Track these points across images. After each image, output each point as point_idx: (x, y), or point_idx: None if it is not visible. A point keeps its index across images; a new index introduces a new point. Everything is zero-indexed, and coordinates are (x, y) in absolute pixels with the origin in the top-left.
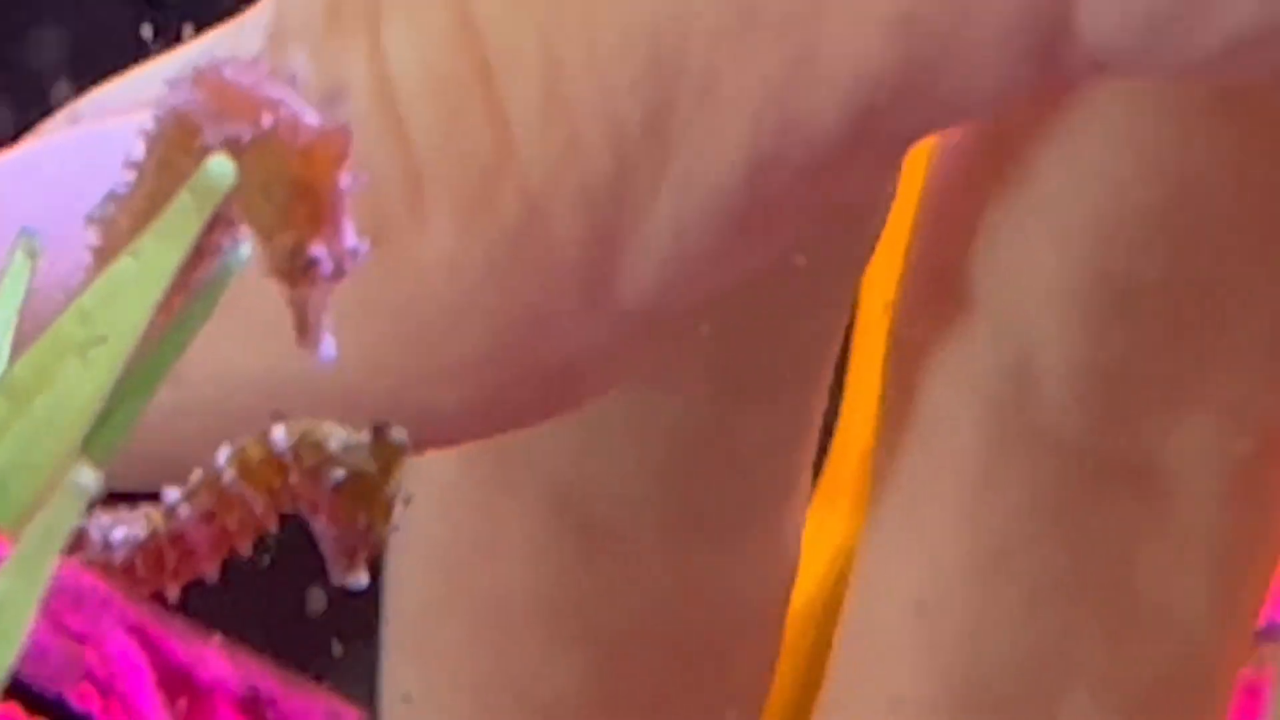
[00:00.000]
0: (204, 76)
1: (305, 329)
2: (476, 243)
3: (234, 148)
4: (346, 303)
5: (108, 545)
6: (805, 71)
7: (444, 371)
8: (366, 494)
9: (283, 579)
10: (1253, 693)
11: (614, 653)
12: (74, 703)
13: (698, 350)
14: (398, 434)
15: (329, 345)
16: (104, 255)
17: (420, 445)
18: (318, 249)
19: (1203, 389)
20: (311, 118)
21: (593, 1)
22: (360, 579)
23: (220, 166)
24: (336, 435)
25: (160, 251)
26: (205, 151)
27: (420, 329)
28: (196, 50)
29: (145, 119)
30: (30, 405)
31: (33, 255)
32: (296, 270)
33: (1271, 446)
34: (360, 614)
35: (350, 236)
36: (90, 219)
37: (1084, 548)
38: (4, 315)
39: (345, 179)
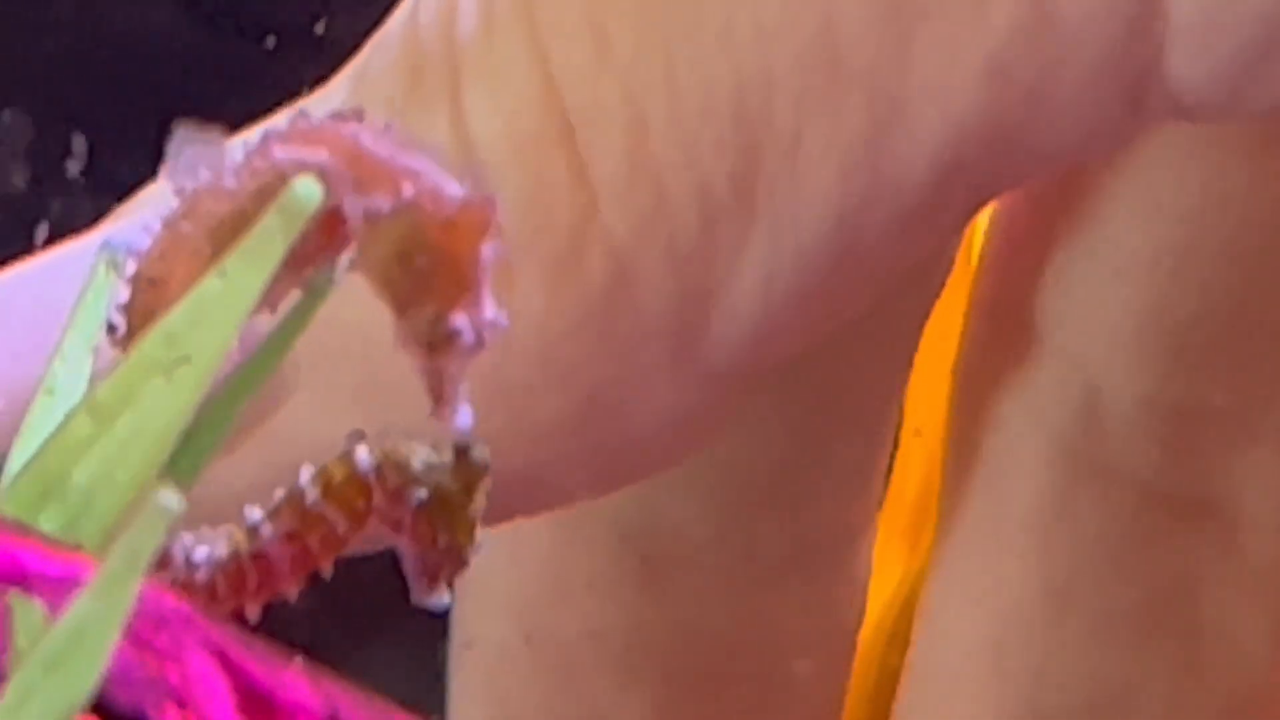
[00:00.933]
0: (338, 141)
1: (441, 399)
2: (564, 304)
3: (372, 217)
4: None
5: (190, 564)
6: (892, 125)
7: (534, 434)
8: (449, 513)
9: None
10: None
11: (681, 690)
12: None
13: (767, 392)
14: (480, 453)
15: (465, 415)
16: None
17: (510, 511)
18: (460, 320)
19: (1267, 423)
20: (454, 188)
21: (675, 59)
22: (443, 599)
23: (307, 188)
24: (420, 454)
25: (246, 272)
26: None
27: (510, 391)
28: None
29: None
30: (114, 425)
31: (115, 268)
32: (436, 341)
33: None
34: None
35: (491, 307)
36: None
37: (1151, 582)
38: (87, 330)
39: (488, 249)
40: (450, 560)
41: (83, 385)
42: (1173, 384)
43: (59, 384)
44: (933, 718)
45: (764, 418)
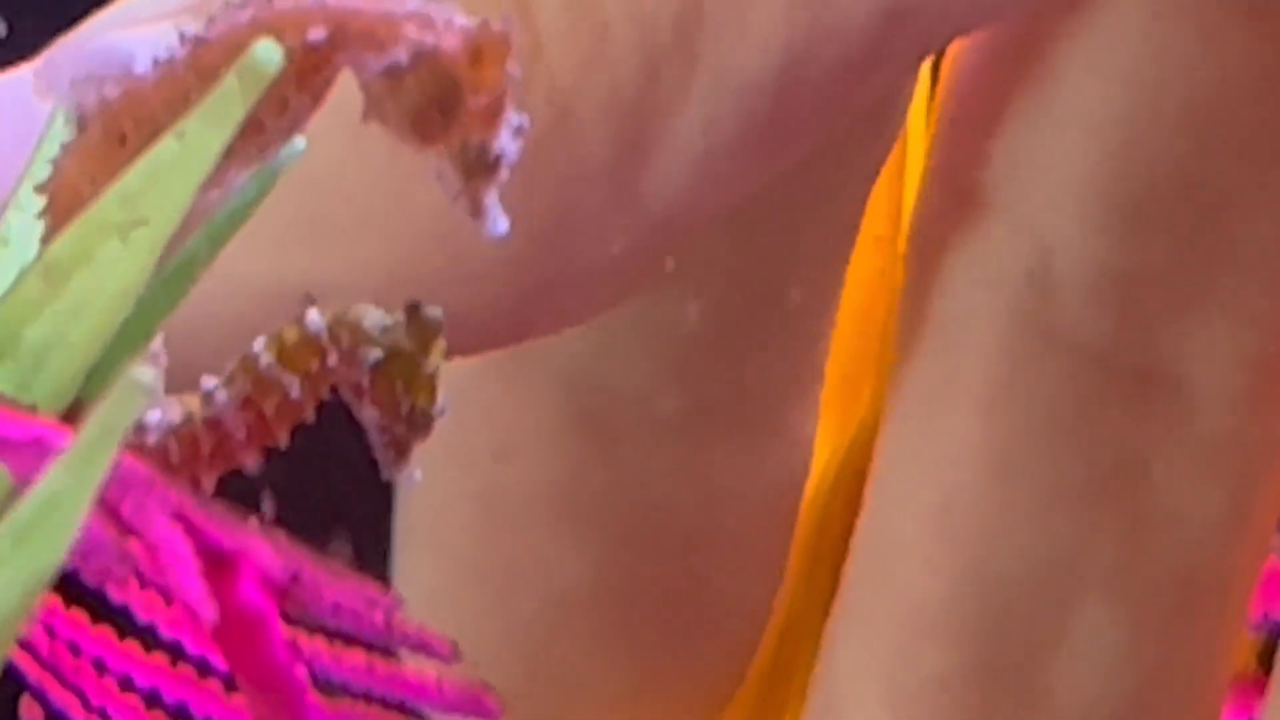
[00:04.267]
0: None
1: (481, 213)
2: None
3: (394, 72)
4: (376, 207)
5: (141, 427)
6: None
7: (471, 274)
8: (405, 373)
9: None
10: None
11: (625, 547)
12: (114, 594)
13: (711, 250)
14: (432, 311)
15: (502, 222)
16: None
17: (450, 351)
18: (499, 143)
19: (1219, 294)
20: (462, 19)
21: None
22: (413, 474)
23: (267, 51)
24: (371, 315)
25: (205, 135)
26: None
27: (446, 231)
28: None
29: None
30: (68, 285)
31: (69, 121)
32: (475, 166)
33: None
34: (370, 509)
35: (517, 120)
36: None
37: (1101, 451)
38: (42, 179)
39: (512, 67)
40: (415, 426)
41: (37, 235)
42: (1124, 250)
43: (13, 234)
44: (881, 584)
45: (710, 267)
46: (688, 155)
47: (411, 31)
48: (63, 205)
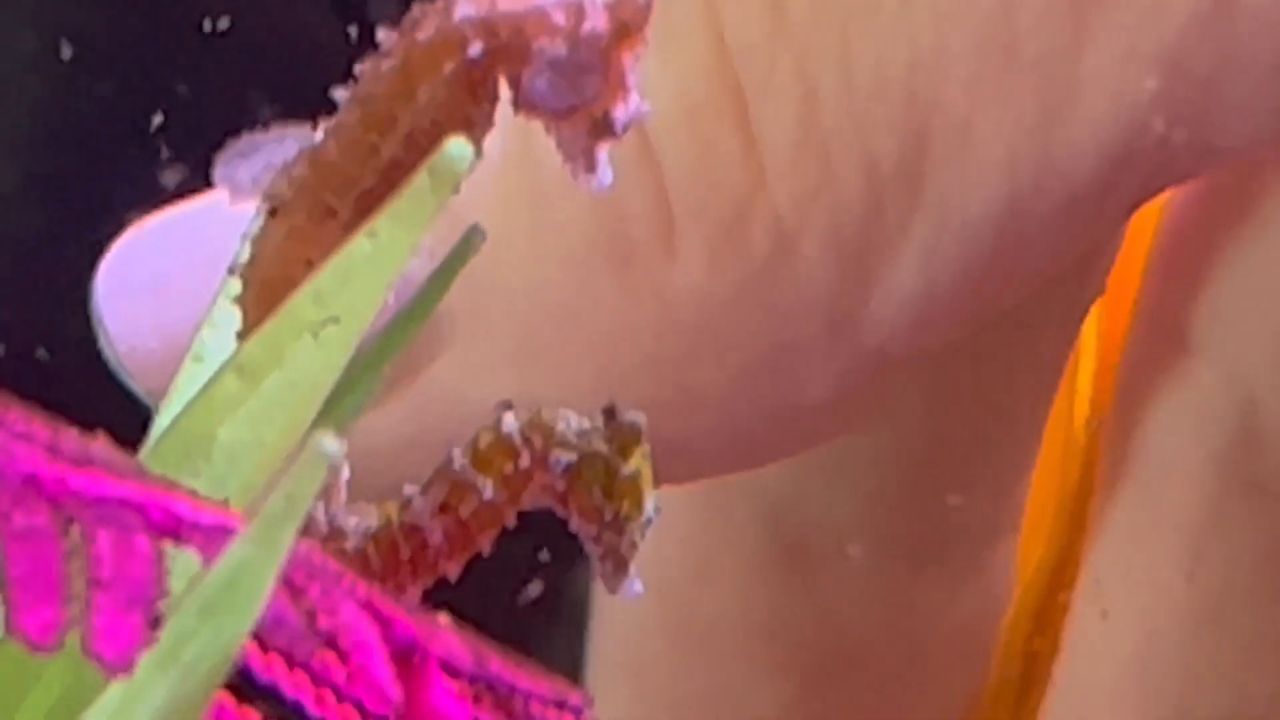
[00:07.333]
0: (474, 21)
1: (593, 168)
2: (725, 273)
3: (557, 68)
4: (595, 331)
5: (339, 531)
6: (1064, 113)
7: (687, 402)
8: (602, 477)
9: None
10: None
11: (820, 677)
12: (287, 690)
13: (921, 383)
14: (631, 416)
15: (608, 173)
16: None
17: (660, 478)
18: (620, 114)
19: None
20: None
21: (851, 34)
22: (634, 586)
23: (459, 149)
24: (566, 418)
25: (396, 233)
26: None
27: (667, 360)
28: None
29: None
30: (262, 384)
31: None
32: (599, 129)
33: None
34: (558, 626)
35: (638, 97)
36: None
37: None
38: (231, 290)
39: (640, 42)
40: (623, 534)
41: (230, 352)
42: None
43: (207, 350)
44: None
45: (917, 408)
46: (906, 291)
47: (562, 19)
48: (269, 294)
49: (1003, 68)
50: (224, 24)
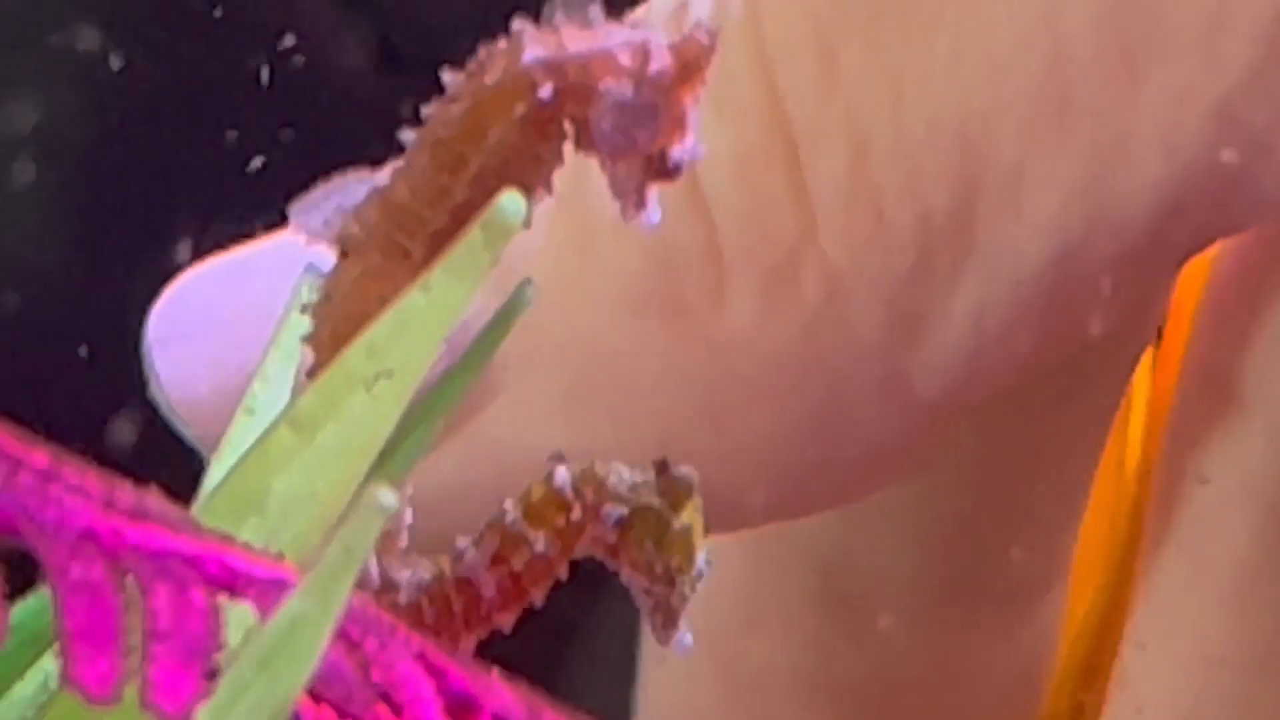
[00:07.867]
0: (543, 63)
1: (643, 204)
2: (776, 323)
3: (623, 109)
4: (645, 380)
5: (391, 585)
6: (1116, 164)
7: (737, 451)
8: (655, 531)
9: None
10: None
11: None
12: None
13: (968, 432)
14: (683, 470)
15: (657, 213)
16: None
17: (708, 528)
18: (678, 153)
19: None
20: (658, 38)
21: (903, 84)
22: (684, 640)
23: (512, 203)
24: (618, 471)
25: (450, 287)
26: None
27: (718, 409)
28: None
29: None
30: (316, 437)
31: (313, 290)
32: (655, 169)
33: None
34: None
35: (694, 137)
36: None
37: None
38: (289, 349)
39: (700, 85)
40: (674, 587)
41: (282, 405)
42: None
43: (259, 404)
44: None
45: (967, 458)
46: (958, 341)
47: (628, 60)
48: (342, 332)
49: (1055, 118)
50: (265, 74)
